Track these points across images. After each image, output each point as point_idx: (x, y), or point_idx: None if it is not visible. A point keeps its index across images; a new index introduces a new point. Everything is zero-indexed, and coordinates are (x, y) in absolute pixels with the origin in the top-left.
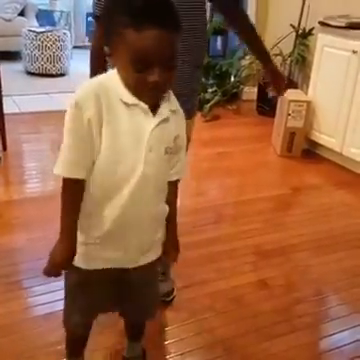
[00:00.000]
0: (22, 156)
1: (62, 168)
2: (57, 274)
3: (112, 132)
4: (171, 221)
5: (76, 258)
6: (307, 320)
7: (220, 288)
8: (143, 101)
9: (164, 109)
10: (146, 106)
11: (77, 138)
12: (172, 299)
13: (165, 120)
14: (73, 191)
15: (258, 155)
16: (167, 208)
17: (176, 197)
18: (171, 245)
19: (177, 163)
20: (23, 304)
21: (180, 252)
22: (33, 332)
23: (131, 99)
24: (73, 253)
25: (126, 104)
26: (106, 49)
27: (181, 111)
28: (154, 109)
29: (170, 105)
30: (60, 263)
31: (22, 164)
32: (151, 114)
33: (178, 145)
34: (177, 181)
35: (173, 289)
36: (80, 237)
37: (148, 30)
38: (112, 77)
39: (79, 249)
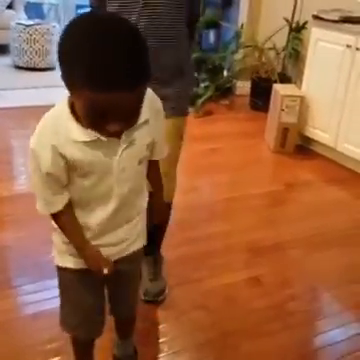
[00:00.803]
0: (11, 152)
1: (41, 207)
2: (109, 270)
3: (78, 170)
4: (157, 192)
5: (64, 258)
6: (300, 317)
7: (213, 286)
8: (105, 136)
9: (130, 132)
10: (105, 140)
11: (41, 182)
12: (163, 299)
13: (131, 142)
14: (63, 219)
15: (251, 151)
16: (145, 200)
17: (158, 172)
18: (158, 211)
19: (155, 147)
20: (12, 303)
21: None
22: (22, 331)
23: (86, 136)
24: (98, 253)
25: (84, 143)
26: (67, 91)
27: (155, 109)
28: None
29: (141, 117)
30: (99, 266)
31: (10, 160)
32: (116, 140)
33: (154, 145)
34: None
35: (164, 289)
36: (63, 237)
37: (115, 92)
38: (61, 116)
39: (66, 249)
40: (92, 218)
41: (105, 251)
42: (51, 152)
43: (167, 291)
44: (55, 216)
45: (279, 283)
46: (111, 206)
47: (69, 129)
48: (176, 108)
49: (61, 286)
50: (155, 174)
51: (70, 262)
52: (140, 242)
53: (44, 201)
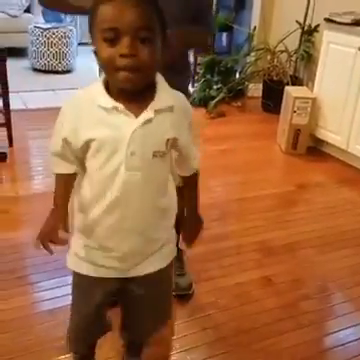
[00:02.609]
0: (28, 152)
1: (52, 166)
2: (44, 243)
3: (93, 141)
4: (189, 204)
5: (74, 261)
6: (311, 317)
7: (225, 285)
8: (119, 82)
9: (149, 109)
10: (123, 107)
11: (58, 147)
12: (192, 292)
13: (148, 121)
14: (58, 182)
15: (263, 152)
16: (169, 209)
17: (192, 189)
18: (189, 224)
19: (187, 160)
20: (29, 299)
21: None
22: (39, 327)
23: (109, 102)
24: (60, 221)
25: (105, 109)
26: (93, 50)
27: (181, 105)
28: (140, 111)
29: (158, 103)
30: (44, 231)
31: (28, 160)
32: (133, 116)
33: (176, 145)
34: (192, 176)
35: (191, 282)
36: (75, 238)
37: (118, 0)
38: (94, 85)
39: (75, 250)
40: (95, 208)
41: (108, 262)
42: (73, 114)
43: (194, 287)
44: (58, 178)
45: (291, 283)
46: (114, 193)
47: (96, 96)
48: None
49: (72, 289)
50: (187, 191)
51: (76, 266)
52: (159, 263)
53: (53, 158)
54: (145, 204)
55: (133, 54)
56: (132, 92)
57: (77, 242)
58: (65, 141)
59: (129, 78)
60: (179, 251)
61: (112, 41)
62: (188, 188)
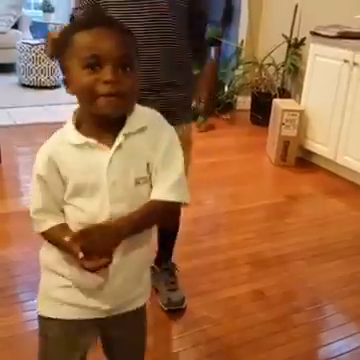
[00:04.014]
0: (17, 168)
1: (34, 226)
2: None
3: (72, 182)
4: None
5: (50, 305)
6: (304, 329)
7: (216, 299)
8: (101, 108)
9: (118, 136)
10: (95, 142)
11: (35, 190)
12: (185, 307)
13: (118, 148)
14: (48, 239)
15: (253, 164)
16: (150, 241)
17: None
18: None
19: (165, 181)
20: (20, 318)
21: None
22: (28, 346)
23: (80, 139)
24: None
25: (77, 146)
26: (64, 80)
27: (156, 124)
28: (113, 139)
29: (128, 127)
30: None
31: (17, 176)
32: (107, 147)
33: (156, 170)
34: (169, 203)
35: (184, 297)
36: (53, 279)
37: (95, 28)
38: (66, 126)
39: (54, 294)
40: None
41: (90, 302)
42: (47, 156)
43: (186, 302)
44: (45, 236)
45: (282, 295)
46: None
47: (67, 133)
48: (182, 117)
49: (43, 342)
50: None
51: (57, 311)
52: (138, 302)
53: (35, 217)
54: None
55: (116, 81)
56: (107, 120)
57: (52, 284)
58: (40, 180)
59: (111, 102)
60: (171, 266)
61: (93, 68)
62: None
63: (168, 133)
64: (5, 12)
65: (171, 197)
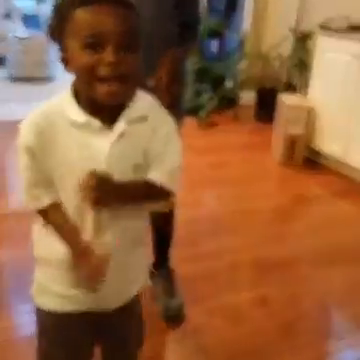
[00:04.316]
0: (8, 167)
1: (27, 201)
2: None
3: (64, 161)
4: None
5: (47, 299)
6: (309, 337)
7: (217, 304)
8: (101, 95)
9: (120, 122)
10: (98, 123)
11: (24, 166)
12: (184, 314)
13: (121, 135)
14: (53, 217)
15: (257, 163)
16: (144, 229)
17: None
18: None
19: (162, 166)
20: (7, 322)
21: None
22: (20, 352)
23: (81, 117)
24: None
25: (76, 124)
26: (62, 57)
27: (156, 114)
28: (113, 121)
29: (132, 112)
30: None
31: (7, 176)
32: (107, 130)
33: (153, 157)
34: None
35: (183, 303)
36: (46, 272)
37: (96, 4)
38: (63, 98)
39: (49, 286)
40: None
41: (86, 294)
42: (37, 126)
43: (184, 310)
44: (43, 214)
45: (287, 301)
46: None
47: (66, 110)
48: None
49: (38, 343)
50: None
51: (51, 303)
52: (133, 289)
53: (28, 193)
54: (122, 223)
55: (119, 62)
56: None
57: (46, 276)
58: (29, 151)
59: (113, 92)
60: (170, 272)
61: (93, 48)
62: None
63: (168, 125)
64: None
65: (164, 182)
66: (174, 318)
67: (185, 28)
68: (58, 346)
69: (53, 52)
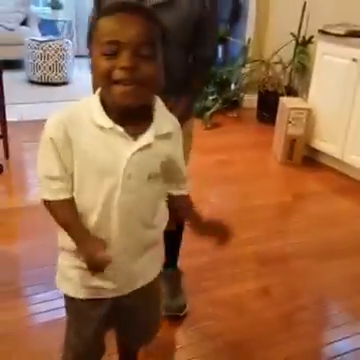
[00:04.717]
0: (24, 164)
1: (43, 191)
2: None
3: (84, 160)
4: (192, 216)
5: (67, 285)
6: (308, 328)
7: (221, 295)
8: (116, 96)
9: (149, 133)
10: (122, 130)
11: (44, 161)
12: (185, 315)
13: (147, 146)
14: (54, 211)
15: (259, 162)
16: (158, 234)
17: (188, 209)
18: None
19: (179, 180)
20: (26, 311)
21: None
22: (35, 340)
23: (108, 122)
24: (95, 247)
25: (101, 128)
26: (89, 65)
27: (178, 133)
28: (137, 132)
29: (158, 129)
30: (97, 261)
31: (24, 172)
32: (131, 138)
33: (168, 168)
34: (184, 197)
35: (185, 304)
36: (63, 260)
37: (117, 13)
38: (89, 101)
39: (68, 274)
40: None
41: (102, 283)
42: (62, 123)
43: (188, 308)
44: (49, 206)
45: (288, 293)
46: (105, 214)
47: (92, 113)
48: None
49: (66, 312)
50: (183, 212)
51: (70, 291)
52: (150, 276)
53: (45, 184)
54: (135, 224)
55: (133, 67)
56: (128, 110)
57: (67, 264)
58: (51, 142)
59: (127, 92)
60: (177, 272)
61: (111, 55)
62: (182, 210)
63: (181, 144)
64: (14, 9)
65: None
66: (173, 318)
67: (199, 62)
68: (83, 327)
69: (69, 56)
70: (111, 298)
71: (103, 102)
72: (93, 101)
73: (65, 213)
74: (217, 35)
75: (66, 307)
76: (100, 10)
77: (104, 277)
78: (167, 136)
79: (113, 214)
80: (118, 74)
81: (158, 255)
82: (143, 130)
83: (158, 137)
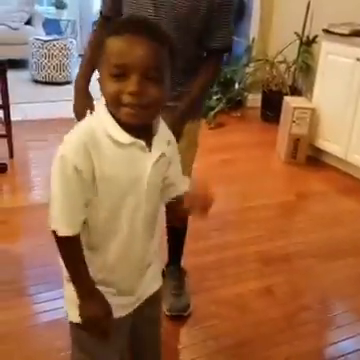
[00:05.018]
0: (28, 163)
1: (57, 225)
2: (105, 333)
3: (108, 177)
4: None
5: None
6: (312, 327)
7: (225, 295)
8: (123, 116)
9: (160, 143)
10: (143, 143)
11: (67, 193)
12: (189, 314)
13: (162, 155)
14: (70, 247)
15: (263, 162)
16: (159, 231)
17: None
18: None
19: (176, 177)
20: (28, 311)
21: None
22: (38, 339)
23: (127, 138)
24: (107, 305)
25: (120, 144)
26: (98, 80)
27: (174, 140)
28: (148, 143)
29: (162, 137)
30: (100, 320)
31: (28, 171)
32: (147, 150)
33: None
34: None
35: (189, 304)
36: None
37: (126, 34)
38: (101, 118)
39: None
40: (111, 246)
41: (121, 301)
42: (83, 151)
43: (192, 307)
44: (63, 241)
45: (291, 293)
46: (131, 227)
47: (108, 129)
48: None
49: (77, 344)
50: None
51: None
52: (156, 284)
53: (61, 220)
54: (147, 230)
55: (141, 93)
56: (138, 126)
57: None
58: (77, 172)
59: (134, 115)
60: (181, 271)
61: (119, 77)
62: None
63: (176, 144)
64: (18, 8)
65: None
66: (177, 317)
67: (212, 54)
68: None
69: (74, 55)
70: (131, 314)
71: (113, 116)
72: (105, 118)
73: (75, 249)
74: (232, 26)
75: (82, 341)
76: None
77: (123, 290)
78: (169, 143)
79: (138, 229)
80: (126, 99)
81: (157, 266)
82: (150, 140)
83: (167, 144)
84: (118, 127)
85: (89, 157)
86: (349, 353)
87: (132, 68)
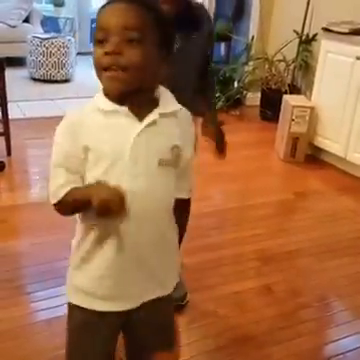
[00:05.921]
0: (26, 161)
1: (54, 196)
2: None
3: (93, 149)
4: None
5: (77, 296)
6: (311, 326)
7: (224, 293)
8: (104, 82)
9: (154, 113)
10: (126, 108)
11: (58, 155)
12: (186, 303)
13: (152, 123)
14: (62, 208)
15: (261, 160)
16: (173, 239)
17: (183, 217)
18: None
19: (183, 180)
20: (26, 309)
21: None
22: (36, 337)
23: (109, 105)
24: (115, 186)
25: (104, 112)
26: None
27: (185, 114)
28: (143, 115)
29: (162, 108)
30: (114, 197)
31: (26, 169)
32: (135, 119)
33: (180, 156)
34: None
35: (186, 293)
36: (75, 270)
37: (115, 4)
38: (96, 95)
39: (78, 283)
40: (103, 232)
41: (117, 292)
42: (68, 123)
43: (188, 296)
44: (58, 206)
45: (290, 291)
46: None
47: (95, 101)
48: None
49: (70, 330)
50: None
51: (82, 301)
52: (163, 289)
53: (50, 189)
54: (148, 219)
55: (117, 52)
56: (125, 95)
57: (79, 274)
58: (67, 153)
59: (112, 77)
60: None
61: (102, 42)
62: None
63: (192, 126)
64: (16, 6)
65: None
66: (177, 307)
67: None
68: (92, 343)
69: (72, 54)
70: (124, 313)
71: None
72: (98, 95)
73: (68, 199)
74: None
75: (73, 324)
76: None
77: (116, 283)
78: (173, 114)
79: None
80: (105, 60)
81: (171, 272)
82: (149, 112)
83: (163, 115)
84: (104, 97)
85: (77, 138)
86: (348, 351)
87: (111, 30)
